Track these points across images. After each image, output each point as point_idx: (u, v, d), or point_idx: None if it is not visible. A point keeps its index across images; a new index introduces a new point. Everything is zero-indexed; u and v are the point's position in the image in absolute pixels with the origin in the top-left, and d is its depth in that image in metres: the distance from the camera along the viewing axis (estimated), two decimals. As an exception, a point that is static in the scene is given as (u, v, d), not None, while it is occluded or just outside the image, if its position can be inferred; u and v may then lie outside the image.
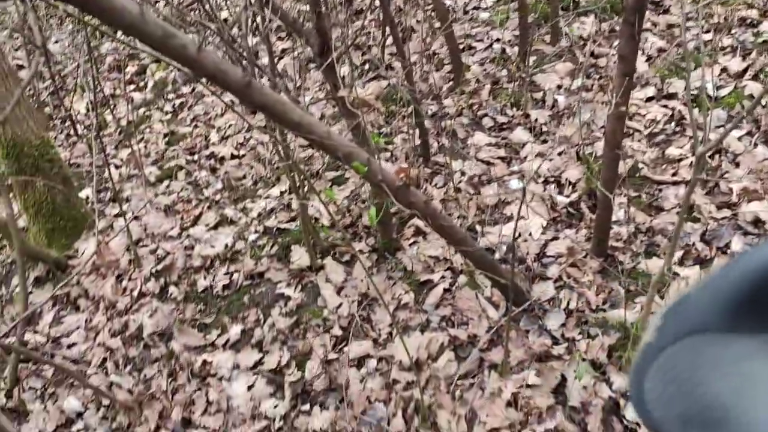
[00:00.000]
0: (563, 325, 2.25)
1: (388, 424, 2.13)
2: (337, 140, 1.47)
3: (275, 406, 2.28)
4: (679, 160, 2.61)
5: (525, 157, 2.86)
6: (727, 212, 2.40)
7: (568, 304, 2.29)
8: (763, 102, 2.71)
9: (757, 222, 2.34)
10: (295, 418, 2.24)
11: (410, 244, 2.66)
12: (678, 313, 0.41)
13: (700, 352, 0.39)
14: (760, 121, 2.64)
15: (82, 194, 3.32)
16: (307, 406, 2.27)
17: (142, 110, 4.03)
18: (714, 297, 0.40)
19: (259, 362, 2.44)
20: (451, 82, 3.36)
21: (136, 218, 3.11)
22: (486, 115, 3.13)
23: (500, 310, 2.33)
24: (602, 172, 2.12)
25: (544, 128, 2.97)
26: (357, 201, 2.89)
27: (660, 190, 2.55)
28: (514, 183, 2.76)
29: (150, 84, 4.24)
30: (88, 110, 4.02)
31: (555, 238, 2.51)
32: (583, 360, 2.12)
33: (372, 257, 2.66)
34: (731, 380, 0.37)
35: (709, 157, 2.57)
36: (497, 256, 2.51)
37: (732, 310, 0.38)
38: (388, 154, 3.07)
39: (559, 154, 2.82)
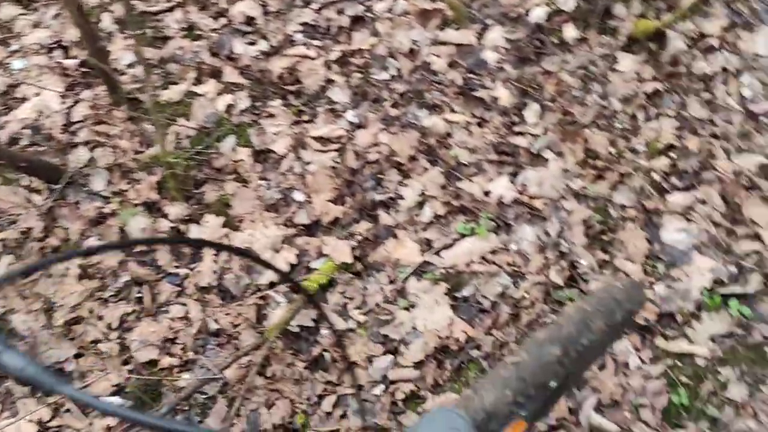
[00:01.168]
0: (110, 182, 2.21)
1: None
2: None
3: None
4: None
5: (20, 33, 2.61)
6: (223, 20, 2.49)
7: (107, 161, 2.24)
8: None
9: (249, 20, 2.47)
10: None
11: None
12: None
13: None
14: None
15: None
16: None
17: None
18: None
19: None
20: None
21: None
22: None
23: (44, 193, 2.21)
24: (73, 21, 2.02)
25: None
26: None
27: (160, 21, 2.54)
28: (17, 63, 2.52)
29: None
30: None
31: (77, 102, 2.39)
32: (135, 206, 2.14)
33: None
34: None
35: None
36: (25, 142, 2.33)
37: None
38: None
39: (54, 17, 2.62)
